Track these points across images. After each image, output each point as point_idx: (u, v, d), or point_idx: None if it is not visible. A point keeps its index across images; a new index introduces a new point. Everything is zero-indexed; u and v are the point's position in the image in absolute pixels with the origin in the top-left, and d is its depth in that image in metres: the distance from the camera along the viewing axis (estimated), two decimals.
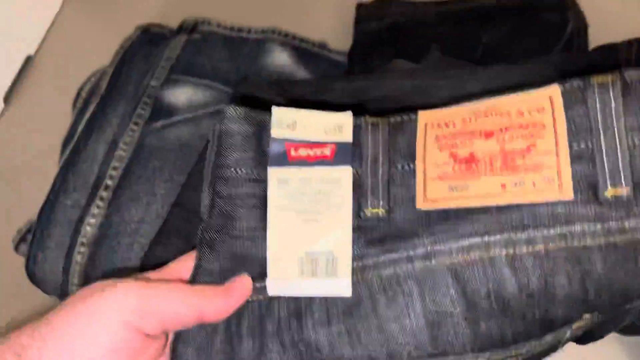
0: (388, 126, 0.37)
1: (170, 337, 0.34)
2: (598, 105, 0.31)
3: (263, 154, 0.36)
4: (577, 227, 0.30)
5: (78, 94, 0.56)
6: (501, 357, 0.32)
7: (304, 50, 0.55)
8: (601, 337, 0.38)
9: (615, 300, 0.31)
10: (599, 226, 0.30)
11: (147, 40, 0.56)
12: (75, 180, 0.47)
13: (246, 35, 0.56)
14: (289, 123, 0.36)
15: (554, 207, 0.31)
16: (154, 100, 0.51)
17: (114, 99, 0.52)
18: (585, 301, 0.31)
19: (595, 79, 0.32)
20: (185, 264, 0.35)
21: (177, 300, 0.31)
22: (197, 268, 0.35)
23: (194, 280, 0.35)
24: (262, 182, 0.36)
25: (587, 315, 0.32)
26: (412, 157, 0.36)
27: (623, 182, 0.30)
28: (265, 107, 0.38)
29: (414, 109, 0.39)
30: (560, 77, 0.47)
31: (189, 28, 0.56)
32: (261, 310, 0.34)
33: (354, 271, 0.34)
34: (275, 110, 0.36)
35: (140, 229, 0.44)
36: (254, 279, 0.35)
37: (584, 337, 0.39)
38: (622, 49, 0.47)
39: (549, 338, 0.32)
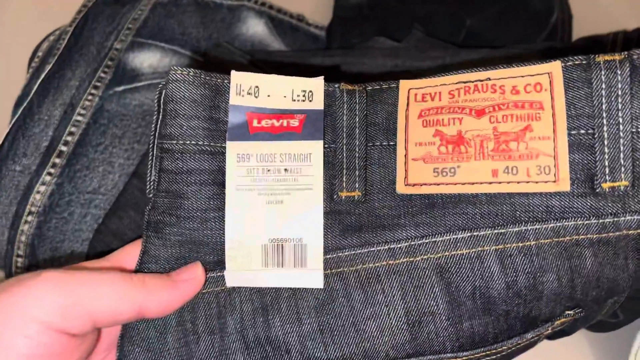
0: (365, 94, 0.32)
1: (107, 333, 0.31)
2: (603, 88, 0.28)
3: (217, 122, 0.31)
4: (571, 222, 0.28)
5: (34, 53, 0.52)
6: (481, 355, 0.30)
7: (280, 21, 0.52)
8: (573, 332, 0.37)
9: (600, 296, 0.30)
10: (593, 221, 0.28)
11: None
12: (26, 145, 0.44)
13: (220, 1, 0.53)
14: (250, 89, 0.31)
15: (548, 200, 0.28)
16: (117, 63, 0.47)
17: (73, 59, 0.48)
18: (572, 298, 0.29)
19: (602, 58, 0.28)
20: (131, 252, 0.32)
21: (111, 293, 0.27)
22: (143, 255, 0.31)
23: (139, 269, 0.31)
24: (215, 154, 0.31)
25: (570, 312, 0.31)
26: (392, 131, 0.32)
27: (622, 174, 0.28)
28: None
29: None
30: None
31: None
32: (220, 303, 0.31)
33: (328, 263, 0.30)
34: (235, 74, 0.31)
35: (95, 199, 0.41)
36: (208, 268, 0.31)
37: (555, 333, 0.38)
38: (606, 41, 0.47)
39: (530, 335, 0.30)
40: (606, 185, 0.28)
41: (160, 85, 0.31)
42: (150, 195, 0.32)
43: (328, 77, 0.33)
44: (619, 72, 0.28)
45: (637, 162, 0.28)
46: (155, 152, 0.31)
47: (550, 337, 0.38)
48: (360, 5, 0.54)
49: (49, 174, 0.43)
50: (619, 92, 0.28)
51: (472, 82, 0.30)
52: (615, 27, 0.49)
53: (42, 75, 0.47)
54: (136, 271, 0.31)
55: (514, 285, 0.29)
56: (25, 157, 0.43)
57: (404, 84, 0.32)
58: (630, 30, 0.46)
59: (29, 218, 0.41)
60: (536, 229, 0.28)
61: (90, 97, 0.46)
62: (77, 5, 0.52)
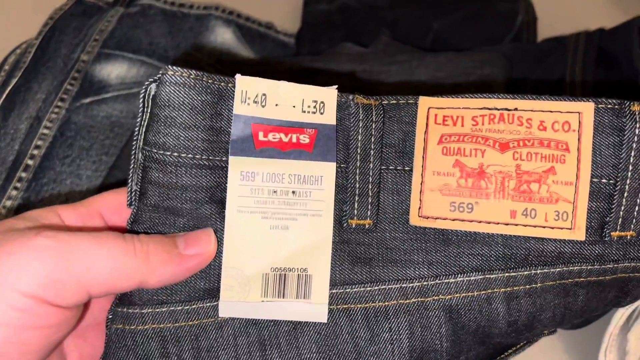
0: (382, 111, 0.29)
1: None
2: (635, 141, 0.27)
3: (218, 132, 0.28)
4: (576, 267, 0.28)
5: (0, 67, 0.51)
6: None
7: (248, 29, 0.52)
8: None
9: (580, 319, 0.31)
10: (596, 267, 0.28)
11: (81, 11, 0.52)
12: None
13: (188, 10, 0.52)
14: (257, 97, 0.27)
15: (561, 246, 0.28)
16: (83, 75, 0.47)
17: (40, 72, 0.48)
18: (558, 324, 0.31)
19: (637, 107, 0.27)
20: (110, 199, 0.29)
21: (110, 268, 0.24)
22: None
23: (119, 303, 0.28)
24: (215, 169, 0.28)
25: (545, 331, 0.32)
26: (408, 155, 0.29)
27: (632, 225, 0.28)
28: None
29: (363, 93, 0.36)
30: (510, 66, 0.47)
31: (126, 0, 0.53)
32: (209, 336, 0.28)
33: (334, 298, 0.28)
34: (241, 79, 0.27)
35: None
36: (198, 297, 0.28)
37: None
38: (569, 41, 0.47)
39: (512, 353, 0.32)
40: (615, 234, 0.28)
41: (147, 83, 0.27)
42: (133, 207, 0.28)
43: (299, 82, 0.31)
44: None
45: None
46: (139, 160, 0.28)
47: None
48: (328, 11, 0.54)
49: (15, 188, 0.42)
50: None
51: (498, 110, 0.28)
52: (579, 28, 0.50)
53: (8, 89, 0.46)
54: (120, 295, 0.28)
55: (514, 324, 0.29)
56: None
57: (424, 102, 0.29)
58: (592, 31, 0.47)
59: None
60: (545, 272, 0.28)
61: (56, 110, 0.45)
62: (45, 17, 0.51)
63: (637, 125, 0.27)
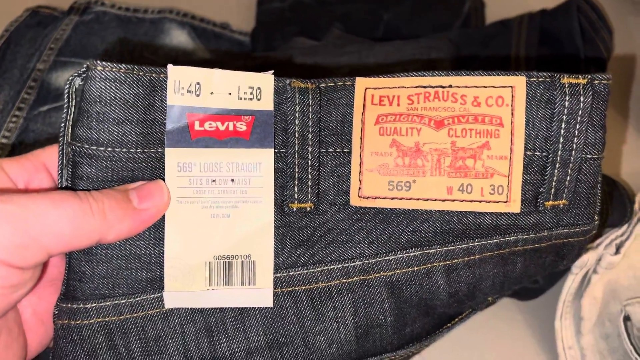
0: (319, 93, 0.29)
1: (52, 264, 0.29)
2: (565, 114, 0.28)
3: (152, 124, 0.27)
4: (512, 237, 0.29)
5: None
6: (416, 347, 0.32)
7: (203, 30, 0.53)
8: (494, 303, 0.39)
9: (521, 284, 0.32)
10: (531, 235, 0.29)
11: (35, 22, 0.53)
12: None
13: (142, 15, 0.53)
14: (190, 86, 0.27)
15: (497, 218, 0.29)
16: (40, 84, 0.47)
17: None
18: (498, 292, 0.32)
19: (566, 80, 0.28)
20: (55, 151, 0.28)
21: (68, 228, 0.24)
22: (69, 271, 0.28)
23: (66, 285, 0.28)
24: (150, 161, 0.28)
25: (489, 299, 0.33)
26: (346, 137, 0.29)
27: (564, 195, 0.29)
28: None
29: None
30: (455, 51, 0.48)
31: (80, 9, 0.53)
32: (156, 327, 0.28)
33: (278, 282, 0.29)
34: (173, 69, 0.27)
35: None
36: (141, 288, 0.28)
37: None
38: (513, 24, 0.49)
39: (458, 322, 0.33)
40: (548, 204, 0.29)
41: (70, 77, 0.27)
42: None
43: None
44: (582, 100, 0.28)
45: (579, 184, 0.29)
46: (66, 156, 0.27)
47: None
48: (281, 9, 0.55)
49: None
50: (579, 119, 0.28)
51: (433, 87, 0.29)
52: (525, 11, 0.51)
53: None
54: (65, 289, 0.28)
55: (455, 294, 0.30)
56: None
57: (361, 82, 0.29)
58: (535, 12, 0.49)
59: None
60: (482, 244, 0.29)
61: (14, 119, 0.46)
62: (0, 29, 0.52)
63: (567, 98, 0.28)
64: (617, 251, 0.40)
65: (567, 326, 0.41)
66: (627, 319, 0.41)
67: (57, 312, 0.28)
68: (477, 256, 0.29)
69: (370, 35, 0.52)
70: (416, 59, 0.45)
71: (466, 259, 0.29)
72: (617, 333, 0.41)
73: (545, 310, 0.42)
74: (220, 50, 0.52)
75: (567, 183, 0.29)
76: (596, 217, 0.29)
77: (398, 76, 0.29)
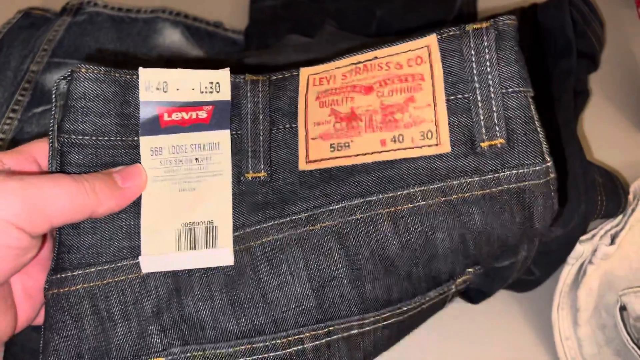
0: (269, 83, 0.35)
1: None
2: (473, 54, 0.30)
3: (128, 117, 0.33)
4: (455, 181, 0.30)
5: None
6: (387, 315, 0.32)
7: (197, 29, 0.53)
8: (491, 294, 0.39)
9: (493, 251, 0.32)
10: (476, 178, 0.30)
11: (28, 24, 0.53)
12: None
13: (135, 15, 0.53)
14: (159, 85, 0.33)
15: (432, 162, 0.30)
16: (34, 85, 0.47)
17: None
18: (466, 254, 0.31)
19: (470, 27, 0.31)
20: (43, 146, 0.32)
21: (67, 201, 0.29)
22: (59, 245, 0.31)
23: (56, 259, 0.31)
24: (128, 148, 0.33)
25: (469, 269, 0.33)
26: (294, 115, 0.34)
27: (497, 133, 0.30)
28: None
29: None
30: None
31: (73, 9, 0.53)
32: (134, 290, 0.32)
33: (236, 240, 0.32)
34: (143, 71, 0.33)
35: None
36: (121, 255, 0.32)
37: (476, 296, 0.40)
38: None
39: (432, 294, 0.32)
40: (484, 144, 0.30)
41: (57, 81, 0.32)
42: None
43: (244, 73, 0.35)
44: (485, 39, 0.30)
45: (510, 121, 0.29)
46: (56, 146, 0.32)
47: (473, 300, 0.40)
48: (274, 6, 0.55)
49: None
50: (487, 57, 0.30)
51: (362, 62, 0.33)
52: (517, 4, 0.52)
53: None
54: (55, 263, 0.31)
55: (408, 245, 0.30)
56: None
57: (304, 71, 0.34)
58: (526, 6, 0.49)
59: None
60: (423, 190, 0.30)
61: (8, 121, 0.46)
62: None
63: (472, 41, 0.30)
64: (612, 242, 0.40)
65: (564, 317, 0.41)
66: (622, 309, 0.41)
67: (47, 286, 0.31)
68: (422, 202, 0.30)
69: (363, 31, 0.52)
70: None
71: (410, 205, 0.30)
72: (614, 323, 0.41)
73: (542, 302, 0.42)
74: (214, 49, 0.52)
75: (495, 120, 0.30)
76: (547, 157, 0.29)
77: (334, 60, 0.34)
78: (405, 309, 0.32)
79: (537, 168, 0.29)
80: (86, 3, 0.54)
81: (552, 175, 0.29)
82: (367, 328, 0.32)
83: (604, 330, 0.41)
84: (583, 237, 0.40)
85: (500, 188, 0.30)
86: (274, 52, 0.49)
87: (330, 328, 0.31)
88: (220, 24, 0.55)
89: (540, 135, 0.29)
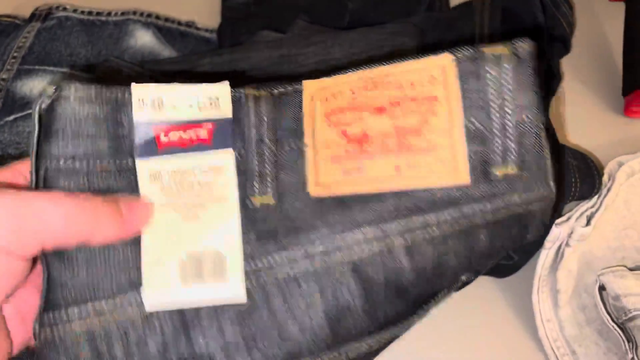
0: (272, 98, 0.32)
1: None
2: (492, 80, 0.29)
3: (121, 138, 0.30)
4: (469, 208, 0.29)
5: None
6: (396, 332, 0.32)
7: (168, 30, 0.53)
8: (470, 282, 0.39)
9: (491, 262, 0.32)
10: (488, 206, 0.29)
11: None
12: None
13: (105, 18, 0.53)
14: (153, 102, 0.29)
15: (449, 190, 0.29)
16: (5, 93, 0.47)
17: None
18: (468, 269, 0.32)
19: (488, 50, 0.29)
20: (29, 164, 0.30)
21: (62, 223, 0.26)
22: (48, 281, 0.29)
23: (45, 300, 0.29)
24: (122, 171, 0.30)
25: (463, 277, 0.33)
26: (300, 134, 0.31)
27: (513, 162, 0.29)
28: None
29: (283, 78, 0.37)
30: (420, 35, 0.48)
31: (42, 15, 0.52)
32: (137, 330, 0.29)
33: (247, 274, 0.30)
34: (135, 87, 0.30)
35: None
36: (121, 290, 0.29)
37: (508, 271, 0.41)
38: (476, 5, 0.49)
39: (430, 306, 0.33)
40: (500, 173, 0.29)
41: (40, 100, 0.29)
42: None
43: (222, 78, 0.32)
44: (506, 66, 0.29)
45: (523, 149, 0.29)
46: (40, 174, 0.28)
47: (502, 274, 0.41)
48: (246, 3, 0.55)
49: None
50: (505, 84, 0.29)
51: (372, 79, 0.30)
52: None
53: None
54: (44, 299, 0.29)
55: (422, 272, 0.30)
56: None
57: (308, 85, 0.32)
58: None
59: None
60: (438, 216, 0.30)
61: None
62: None
63: (491, 67, 0.29)
64: (588, 222, 0.41)
65: (544, 299, 0.42)
66: (602, 288, 0.41)
67: (36, 327, 0.28)
68: (436, 229, 0.30)
69: (335, 24, 0.52)
70: (382, 45, 0.45)
71: (425, 232, 0.30)
72: (594, 303, 0.42)
73: (522, 286, 0.43)
74: (187, 49, 0.52)
75: (511, 149, 0.29)
76: (552, 183, 0.29)
77: (340, 74, 0.31)
78: (406, 324, 0.32)
79: (542, 192, 0.29)
80: (55, 8, 0.53)
81: (553, 197, 0.29)
82: (375, 347, 0.32)
83: (584, 311, 0.42)
84: (559, 220, 0.40)
85: (507, 211, 0.30)
86: (246, 49, 0.48)
87: (342, 353, 0.31)
88: (192, 23, 0.55)
89: (548, 162, 0.29)
